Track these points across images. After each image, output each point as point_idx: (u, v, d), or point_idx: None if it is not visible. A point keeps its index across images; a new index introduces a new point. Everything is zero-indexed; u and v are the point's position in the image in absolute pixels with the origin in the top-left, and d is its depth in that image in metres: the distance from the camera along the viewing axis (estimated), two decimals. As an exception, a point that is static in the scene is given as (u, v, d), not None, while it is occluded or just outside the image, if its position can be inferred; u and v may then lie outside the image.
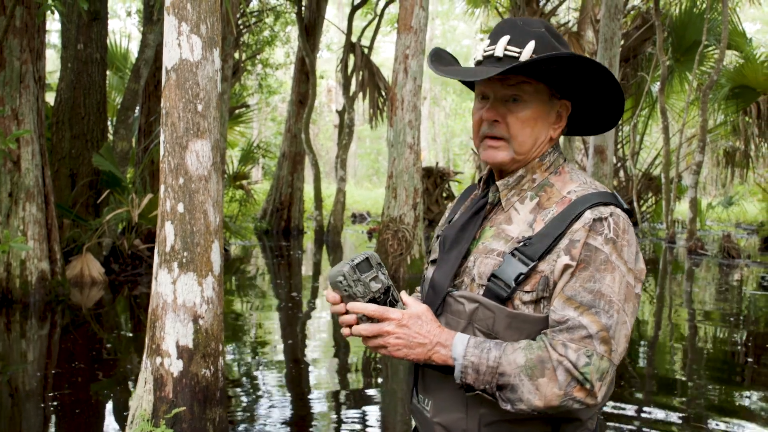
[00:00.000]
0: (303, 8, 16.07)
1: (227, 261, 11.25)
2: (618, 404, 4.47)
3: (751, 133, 17.54)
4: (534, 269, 1.37)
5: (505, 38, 1.43)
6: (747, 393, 4.90)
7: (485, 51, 1.46)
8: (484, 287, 1.40)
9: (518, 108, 1.44)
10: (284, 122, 18.57)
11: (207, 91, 3.23)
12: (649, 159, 19.76)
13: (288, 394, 4.63)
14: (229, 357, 5.48)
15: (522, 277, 1.36)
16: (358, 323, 1.40)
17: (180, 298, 3.18)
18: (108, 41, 10.59)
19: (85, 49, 9.24)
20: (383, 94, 16.06)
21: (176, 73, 3.19)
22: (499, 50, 1.43)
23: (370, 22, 17.61)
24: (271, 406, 4.32)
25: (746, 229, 22.52)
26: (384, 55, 40.58)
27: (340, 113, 16.94)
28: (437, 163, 20.64)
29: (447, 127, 41.99)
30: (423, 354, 1.36)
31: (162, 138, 3.24)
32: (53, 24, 23.15)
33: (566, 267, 1.34)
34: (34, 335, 6.06)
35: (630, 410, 4.40)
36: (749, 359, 5.89)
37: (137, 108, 10.79)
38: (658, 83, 16.16)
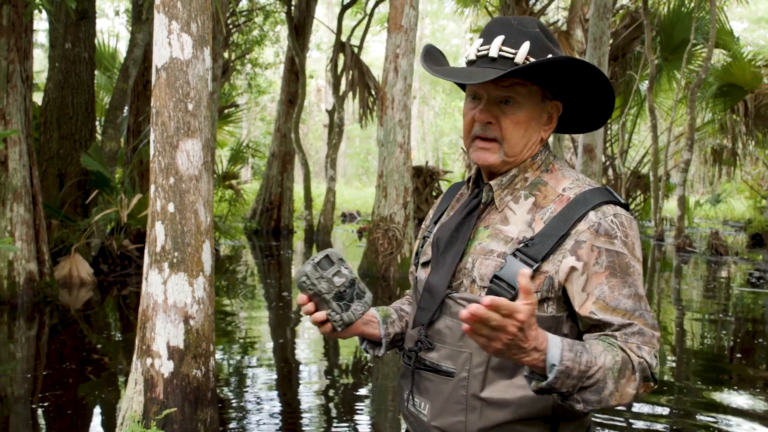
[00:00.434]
0: (292, 7, 16.03)
1: (217, 261, 11.22)
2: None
3: (739, 131, 17.66)
4: (538, 270, 1.36)
5: (500, 38, 1.42)
6: (734, 388, 4.92)
7: (479, 51, 1.44)
8: (486, 289, 1.39)
9: (511, 110, 1.43)
10: (274, 122, 18.53)
11: (198, 90, 3.21)
12: (638, 157, 19.84)
13: (279, 394, 4.62)
14: (220, 357, 5.46)
15: None
16: (326, 320, 1.44)
17: (171, 299, 3.17)
18: (96, 40, 10.52)
19: (73, 49, 9.18)
20: (373, 93, 16.05)
21: (166, 71, 3.18)
22: (493, 51, 1.41)
23: (359, 22, 17.60)
24: (262, 406, 4.31)
25: (734, 226, 22.67)
26: (374, 54, 40.57)
27: (330, 113, 16.92)
28: (427, 162, 20.65)
29: (436, 126, 42.03)
30: (514, 355, 1.21)
31: (152, 137, 3.23)
32: (41, 23, 23.02)
33: (573, 269, 1.35)
34: (22, 336, 6.02)
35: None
36: (737, 355, 5.92)
37: (126, 108, 10.73)
38: (647, 82, 16.22)
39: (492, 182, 1.48)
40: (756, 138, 18.21)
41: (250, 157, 18.39)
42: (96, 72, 10.83)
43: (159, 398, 3.13)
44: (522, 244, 1.38)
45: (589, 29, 11.83)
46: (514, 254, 1.37)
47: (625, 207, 1.43)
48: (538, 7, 16.09)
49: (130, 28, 10.66)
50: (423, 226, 1.73)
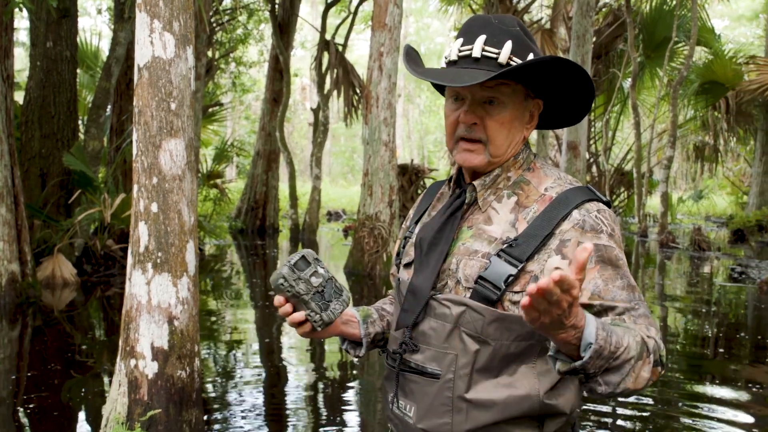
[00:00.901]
0: (276, 6, 15.98)
1: (202, 261, 11.17)
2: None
3: (720, 128, 17.82)
4: (522, 270, 1.36)
5: (482, 38, 1.41)
6: (717, 381, 4.97)
7: (461, 51, 1.43)
8: (470, 290, 1.38)
9: (496, 110, 1.42)
10: (258, 121, 18.47)
11: (180, 89, 3.19)
12: (621, 154, 19.96)
13: (265, 394, 4.61)
14: (205, 357, 5.44)
15: (511, 278, 1.35)
16: (305, 320, 1.45)
17: (155, 299, 3.15)
18: (78, 39, 10.44)
19: (54, 47, 9.10)
20: (358, 91, 16.04)
21: (149, 71, 3.16)
22: (476, 51, 1.40)
23: (344, 20, 17.57)
24: (247, 407, 4.30)
25: (716, 222, 22.88)
26: (358, 52, 40.51)
27: (315, 111, 16.89)
28: (412, 160, 20.66)
29: (421, 124, 42.07)
30: (551, 331, 1.16)
31: (135, 137, 3.21)
32: (21, 21, 22.78)
33: (558, 268, 1.33)
34: (5, 338, 5.96)
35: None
36: (720, 349, 5.97)
37: (109, 107, 10.66)
38: (630, 79, 16.32)
39: (475, 182, 1.47)
40: (737, 135, 18.40)
41: (234, 156, 18.34)
42: (78, 71, 10.75)
43: (143, 399, 3.12)
44: (506, 245, 1.38)
45: (572, 27, 11.89)
46: (498, 255, 1.37)
47: (607, 204, 1.43)
48: (521, 5, 16.14)
49: (112, 27, 10.58)
50: (404, 226, 1.72)
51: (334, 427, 4.01)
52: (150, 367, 3.14)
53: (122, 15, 9.39)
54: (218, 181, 15.61)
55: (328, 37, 16.14)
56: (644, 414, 4.31)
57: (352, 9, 16.90)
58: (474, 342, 1.37)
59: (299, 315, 1.44)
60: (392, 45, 9.51)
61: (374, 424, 4.14)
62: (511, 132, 1.45)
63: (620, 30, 16.67)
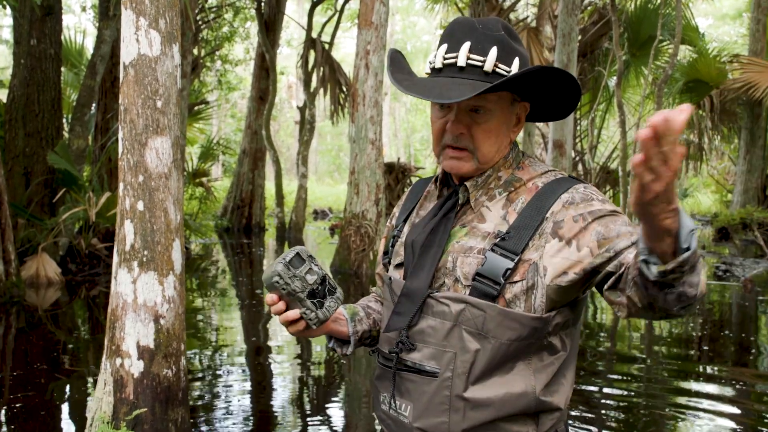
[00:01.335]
0: (262, 4, 15.94)
1: (188, 259, 11.12)
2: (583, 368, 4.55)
3: (705, 127, 17.94)
4: (520, 261, 1.36)
5: (467, 45, 1.40)
6: (701, 377, 5.01)
7: (445, 59, 1.42)
8: (469, 287, 1.38)
9: (483, 118, 1.42)
10: (244, 119, 18.41)
11: (166, 87, 3.18)
12: (607, 152, 20.06)
13: (251, 393, 4.60)
14: (191, 356, 5.42)
15: (509, 272, 1.35)
16: (298, 318, 1.41)
17: (140, 298, 3.14)
18: (62, 37, 10.35)
19: (38, 45, 9.02)
20: (344, 90, 16.01)
21: (134, 68, 3.14)
22: (461, 60, 1.40)
23: (330, 18, 17.55)
24: (234, 405, 4.29)
25: (700, 220, 23.03)
26: (344, 50, 40.48)
27: (301, 109, 16.85)
28: (399, 159, 20.66)
29: (408, 123, 42.09)
30: (660, 211, 1.02)
31: (120, 135, 3.19)
32: (5, 19, 22.59)
33: (559, 248, 1.33)
34: (-11, 338, 5.92)
35: (593, 384, 4.47)
36: (704, 347, 6.02)
37: (93, 105, 10.58)
38: (615, 78, 16.40)
39: (468, 183, 1.47)
40: (721, 133, 18.53)
41: (220, 155, 18.26)
42: (63, 69, 10.66)
43: (129, 398, 3.10)
44: (498, 239, 1.38)
45: (558, 25, 11.94)
46: (492, 249, 1.37)
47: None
48: (507, 3, 16.18)
49: (97, 24, 10.50)
50: (389, 224, 1.70)
51: (320, 426, 4.01)
52: (136, 366, 3.12)
53: (107, 12, 9.32)
54: (204, 179, 15.54)
55: (314, 35, 16.11)
56: (631, 408, 4.34)
57: (339, 7, 16.88)
58: (474, 340, 1.36)
59: (293, 313, 1.41)
60: (379, 43, 9.51)
61: (359, 423, 4.14)
62: (498, 138, 1.45)
63: (605, 28, 16.74)
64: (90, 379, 4.75)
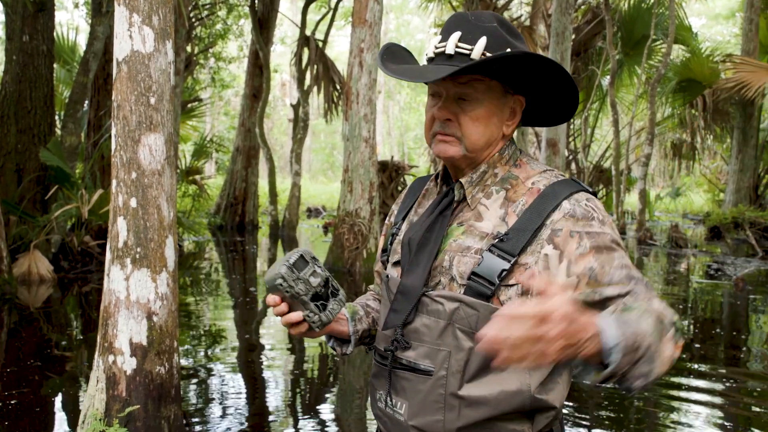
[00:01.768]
0: (256, 1, 15.90)
1: (181, 257, 11.10)
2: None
3: (697, 126, 18.01)
4: (516, 263, 1.35)
5: (456, 35, 1.41)
6: (694, 375, 5.03)
7: (436, 48, 1.43)
8: (464, 286, 1.38)
9: (470, 106, 1.42)
10: (238, 116, 18.37)
11: (160, 84, 3.17)
12: (600, 151, 20.11)
13: (245, 390, 4.59)
14: (184, 354, 5.41)
15: (505, 273, 1.35)
16: (303, 321, 1.38)
17: (133, 295, 3.13)
18: (55, 33, 10.31)
19: (30, 41, 8.98)
20: (338, 88, 16.00)
21: (128, 65, 3.13)
22: (449, 47, 1.40)
23: (324, 16, 17.53)
24: (227, 403, 4.28)
25: (693, 219, 23.12)
26: (338, 48, 40.43)
27: (295, 107, 16.84)
28: (392, 157, 20.66)
29: (401, 121, 42.10)
30: (571, 356, 1.08)
31: (113, 132, 3.18)
32: (-4, 15, 22.48)
33: (548, 256, 1.34)
34: (-19, 335, 5.89)
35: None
36: (696, 345, 6.05)
37: (86, 102, 10.55)
38: (608, 77, 16.45)
39: (462, 180, 1.47)
40: (714, 132, 18.60)
41: (213, 152, 18.23)
42: (55, 65, 10.62)
43: (121, 396, 3.10)
44: (497, 239, 1.38)
45: (551, 24, 11.96)
46: (490, 250, 1.37)
47: (594, 195, 1.43)
48: (501, 2, 16.19)
49: (89, 21, 10.46)
50: (388, 221, 1.70)
51: (313, 423, 4.01)
52: (128, 363, 3.12)
53: (100, 9, 9.29)
54: (197, 177, 15.51)
55: (308, 32, 16.09)
56: (622, 402, 4.36)
57: (333, 5, 16.87)
58: (468, 338, 1.36)
59: (296, 315, 1.39)
60: (372, 41, 9.50)
61: (352, 420, 4.14)
62: (487, 128, 1.44)
63: (599, 27, 16.79)
64: (83, 377, 4.73)
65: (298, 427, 3.96)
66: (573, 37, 15.90)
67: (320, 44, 16.07)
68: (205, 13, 16.19)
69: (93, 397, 3.15)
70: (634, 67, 17.41)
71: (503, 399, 1.37)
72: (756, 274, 10.50)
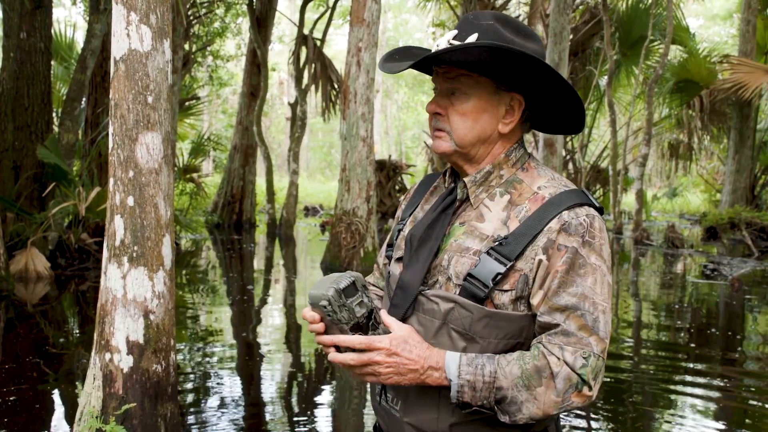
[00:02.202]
0: (254, 0, 15.89)
1: (178, 255, 11.10)
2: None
3: (694, 126, 18.03)
4: (512, 268, 1.36)
5: (452, 33, 1.44)
6: (689, 374, 5.05)
7: (437, 46, 1.45)
8: (460, 287, 1.39)
9: (458, 101, 1.44)
10: (235, 114, 18.37)
11: (157, 82, 3.18)
12: (597, 151, 20.14)
13: (242, 388, 4.60)
14: (181, 352, 5.42)
15: (499, 277, 1.35)
16: (339, 350, 1.36)
17: (130, 293, 3.14)
18: (53, 30, 10.31)
19: (28, 38, 8.98)
20: (336, 86, 16.01)
21: (125, 63, 3.14)
22: (442, 44, 1.43)
23: (322, 15, 17.52)
24: (223, 401, 4.29)
25: (689, 219, 23.16)
26: (336, 47, 40.42)
27: (293, 106, 16.83)
28: (390, 156, 20.68)
29: (399, 120, 42.09)
30: (416, 379, 1.34)
31: (111, 130, 3.18)
32: (-6, 12, 22.40)
33: (540, 263, 1.35)
34: (-22, 333, 5.89)
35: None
36: (692, 345, 6.07)
37: (83, 99, 10.54)
38: (606, 77, 16.47)
39: (466, 179, 1.48)
40: (711, 133, 18.64)
41: (211, 150, 18.21)
42: (52, 62, 10.62)
43: (118, 393, 3.10)
44: (496, 243, 1.38)
45: (549, 24, 11.96)
46: (488, 253, 1.37)
47: (600, 211, 1.43)
48: (500, 1, 16.20)
49: (87, 18, 10.45)
50: (397, 216, 1.71)
51: (310, 422, 4.02)
52: (125, 361, 3.12)
53: (98, 6, 9.28)
54: (195, 175, 15.50)
55: (306, 31, 16.08)
56: (620, 398, 4.37)
57: (330, 4, 16.86)
58: (462, 339, 1.37)
59: (330, 339, 1.36)
60: (370, 40, 9.51)
61: (349, 418, 4.16)
62: (477, 123, 1.44)
63: (597, 28, 16.80)
64: (79, 374, 4.74)
65: (295, 424, 3.97)
66: (571, 37, 15.91)
67: (318, 43, 16.07)
68: (203, 11, 16.18)
69: (90, 394, 3.16)
70: (631, 68, 17.43)
71: None
72: (752, 274, 10.53)
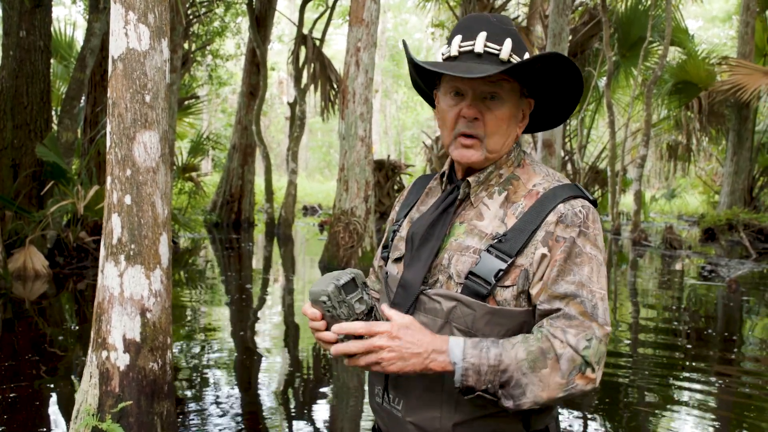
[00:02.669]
0: (253, -1, 15.91)
1: (176, 254, 11.11)
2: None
3: (693, 128, 18.05)
4: (512, 265, 1.38)
5: (483, 34, 1.43)
6: (686, 375, 5.06)
7: (461, 46, 1.45)
8: (462, 285, 1.40)
9: (496, 105, 1.44)
10: (235, 114, 18.38)
11: (155, 81, 3.19)
12: (596, 152, 20.16)
13: (239, 387, 4.61)
14: (178, 351, 5.43)
15: (501, 273, 1.37)
16: (338, 341, 1.36)
17: (127, 291, 3.15)
18: (52, 29, 10.31)
19: (27, 37, 8.98)
20: (335, 86, 16.02)
21: (123, 62, 3.15)
22: (478, 47, 1.43)
23: (321, 14, 17.53)
24: (220, 400, 4.30)
25: (687, 220, 23.18)
26: (336, 47, 40.43)
27: (292, 105, 16.84)
28: (389, 156, 20.69)
29: (398, 120, 42.09)
30: (419, 364, 1.31)
31: (108, 129, 3.19)
32: (-6, 10, 22.40)
33: (543, 257, 1.37)
34: (-25, 330, 5.90)
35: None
36: (689, 345, 6.08)
37: (83, 98, 10.55)
38: (605, 78, 16.48)
39: (470, 179, 1.49)
40: (709, 134, 18.66)
41: (210, 149, 18.24)
42: (52, 61, 10.62)
43: (114, 391, 3.11)
44: (495, 240, 1.40)
45: (548, 25, 11.98)
46: (488, 250, 1.39)
47: (593, 203, 1.45)
48: (498, 2, 16.21)
49: (87, 17, 10.46)
50: (391, 218, 1.72)
51: (308, 420, 4.03)
52: (122, 359, 3.13)
53: (97, 5, 9.29)
54: (194, 174, 15.51)
55: (305, 31, 16.09)
56: (617, 394, 4.39)
57: (330, 3, 16.87)
58: (464, 337, 1.38)
59: (331, 336, 1.37)
60: (369, 40, 9.52)
61: (346, 417, 4.17)
62: (508, 128, 1.47)
63: (596, 29, 16.82)
64: (76, 372, 4.75)
65: (292, 423, 3.98)
66: (570, 38, 15.91)
67: (317, 43, 16.08)
68: (203, 10, 16.18)
69: (86, 392, 3.17)
70: (630, 69, 17.45)
71: None
72: (749, 275, 10.55)
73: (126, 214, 3.15)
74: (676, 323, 7.07)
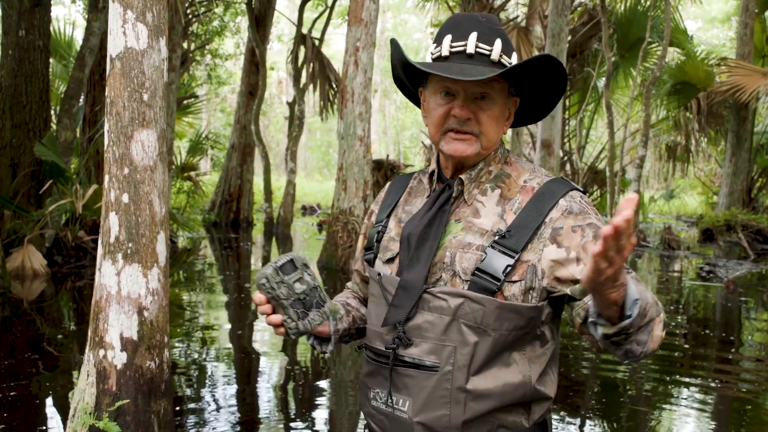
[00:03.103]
0: (253, -2, 15.91)
1: (174, 253, 11.11)
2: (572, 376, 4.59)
3: (692, 129, 18.06)
4: (519, 260, 1.40)
5: (474, 35, 1.45)
6: (684, 375, 5.07)
7: (452, 47, 1.46)
8: (468, 282, 1.41)
9: (488, 105, 1.46)
10: (234, 113, 18.38)
11: (153, 80, 3.19)
12: (595, 153, 20.15)
13: (235, 387, 4.62)
14: (176, 349, 5.43)
15: (509, 268, 1.39)
16: (281, 321, 1.42)
17: (124, 290, 3.15)
18: (51, 28, 10.30)
19: (26, 36, 8.98)
20: (334, 86, 16.02)
21: (121, 61, 3.15)
22: (470, 47, 1.44)
23: (321, 14, 17.53)
24: (218, 399, 4.30)
25: (686, 221, 23.19)
26: (335, 47, 40.44)
27: (291, 105, 16.84)
28: (388, 156, 20.67)
29: (397, 120, 42.09)
30: (607, 289, 1.14)
31: (106, 127, 3.20)
32: (-7, 9, 22.39)
33: (558, 257, 1.39)
34: (-27, 329, 5.90)
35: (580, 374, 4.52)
36: (686, 345, 6.09)
37: (82, 97, 10.55)
38: (604, 79, 16.48)
39: (462, 176, 1.51)
40: (708, 135, 18.66)
41: (209, 149, 18.25)
42: (51, 60, 10.61)
43: (111, 390, 3.12)
44: (498, 236, 1.41)
45: (547, 25, 12.00)
46: (492, 247, 1.40)
47: (584, 193, 1.50)
48: (498, 2, 16.22)
49: (86, 16, 10.46)
50: (368, 221, 1.71)
51: (306, 419, 4.04)
52: (119, 358, 3.14)
53: (96, 4, 9.29)
54: (192, 173, 15.50)
55: (304, 31, 16.10)
56: (614, 393, 4.39)
57: (329, 3, 16.87)
58: (473, 333, 1.39)
59: (276, 318, 1.42)
60: (368, 40, 9.52)
61: (344, 417, 4.17)
62: (499, 126, 1.50)
63: (595, 29, 16.81)
64: (74, 370, 4.75)
65: (290, 423, 3.98)
66: (569, 38, 15.91)
67: (317, 42, 16.08)
68: (202, 9, 16.18)
69: (83, 390, 3.17)
70: (629, 70, 17.43)
71: (508, 391, 1.41)
72: (747, 276, 10.56)
73: (123, 213, 3.15)
74: (674, 324, 7.08)
